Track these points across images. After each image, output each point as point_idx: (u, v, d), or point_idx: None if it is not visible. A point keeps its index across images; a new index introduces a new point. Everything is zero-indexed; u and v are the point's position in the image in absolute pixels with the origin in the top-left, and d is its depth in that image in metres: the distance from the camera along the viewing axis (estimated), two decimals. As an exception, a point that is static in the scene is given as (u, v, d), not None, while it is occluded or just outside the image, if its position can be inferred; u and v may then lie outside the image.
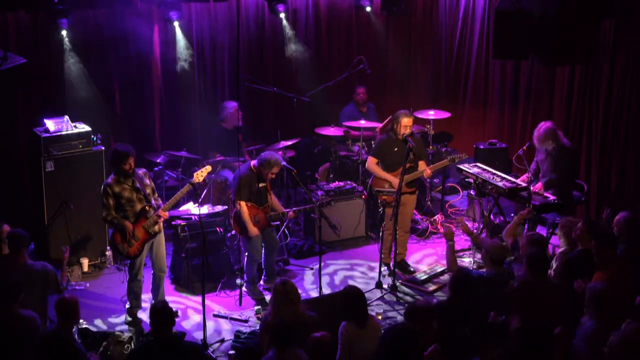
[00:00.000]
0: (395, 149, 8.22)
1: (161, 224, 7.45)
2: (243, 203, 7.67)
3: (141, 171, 7.40)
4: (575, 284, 6.26)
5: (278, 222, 8.25)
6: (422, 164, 8.32)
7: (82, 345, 5.90)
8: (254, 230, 7.72)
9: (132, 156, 7.25)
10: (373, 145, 9.10)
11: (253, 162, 7.84)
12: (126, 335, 6.84)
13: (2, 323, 5.75)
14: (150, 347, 5.60)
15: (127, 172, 7.21)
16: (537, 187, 8.40)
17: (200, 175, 7.41)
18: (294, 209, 8.07)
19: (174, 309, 7.49)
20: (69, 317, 5.70)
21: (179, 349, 5.52)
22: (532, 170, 8.68)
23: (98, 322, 7.46)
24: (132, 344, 6.65)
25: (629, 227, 6.74)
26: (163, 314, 5.58)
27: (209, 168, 7.59)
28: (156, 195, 7.54)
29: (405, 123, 8.13)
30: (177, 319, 7.56)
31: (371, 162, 8.40)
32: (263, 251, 8.03)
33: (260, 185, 7.81)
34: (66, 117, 8.49)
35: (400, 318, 7.36)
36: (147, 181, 7.43)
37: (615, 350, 4.90)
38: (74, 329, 6.01)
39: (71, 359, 5.63)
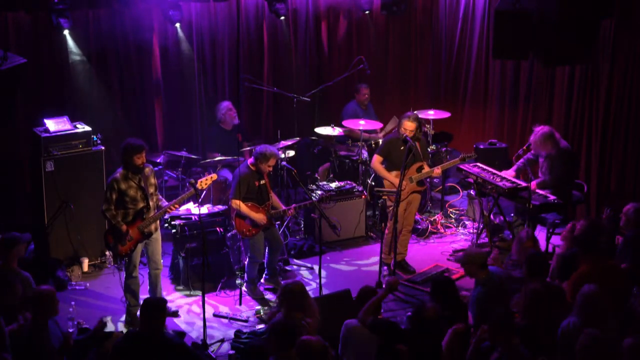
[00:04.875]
0: (402, 148, 8.23)
1: (158, 224, 7.45)
2: (239, 201, 7.66)
3: (147, 168, 7.37)
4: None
5: (278, 222, 8.23)
6: (425, 165, 8.34)
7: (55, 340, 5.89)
8: (260, 217, 7.73)
9: (145, 150, 7.24)
10: (380, 144, 9.11)
11: (250, 160, 7.85)
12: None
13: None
14: (133, 338, 5.67)
15: (138, 166, 7.17)
16: (531, 185, 8.40)
17: (204, 182, 7.40)
18: (294, 205, 8.07)
19: (173, 309, 7.57)
20: (41, 309, 5.74)
21: (162, 345, 5.55)
22: (520, 165, 8.72)
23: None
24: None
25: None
26: (152, 308, 5.64)
27: (214, 176, 7.58)
28: (157, 193, 7.53)
29: (406, 126, 8.17)
30: (176, 319, 7.58)
31: (376, 161, 8.40)
32: (266, 251, 8.03)
33: (261, 182, 7.82)
34: (66, 117, 8.50)
35: (400, 318, 7.37)
36: (152, 180, 7.41)
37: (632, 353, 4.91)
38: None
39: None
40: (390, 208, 8.21)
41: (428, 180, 9.73)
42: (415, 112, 8.51)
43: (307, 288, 8.10)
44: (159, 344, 5.59)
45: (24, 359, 5.59)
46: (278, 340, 5.36)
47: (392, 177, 8.22)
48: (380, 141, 9.53)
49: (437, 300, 6.09)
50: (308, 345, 5.22)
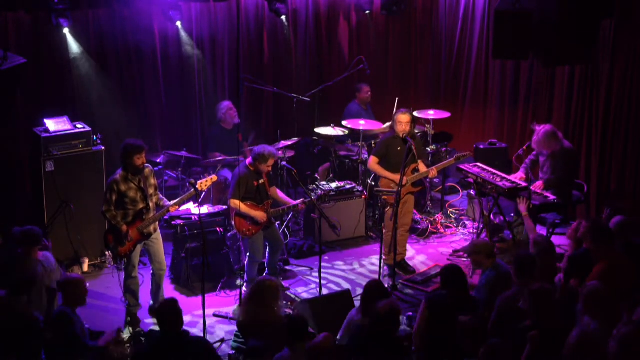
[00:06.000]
0: (399, 149, 8.22)
1: (157, 224, 7.45)
2: (237, 201, 7.65)
3: (147, 169, 7.36)
4: (571, 282, 6.29)
5: (278, 222, 8.21)
6: (421, 164, 8.33)
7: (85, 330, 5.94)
8: (260, 214, 7.73)
9: (145, 150, 7.23)
10: (375, 145, 9.10)
11: (248, 160, 7.85)
12: (126, 335, 6.84)
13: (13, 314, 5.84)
14: (158, 343, 5.61)
15: (138, 167, 7.16)
16: (537, 185, 8.40)
17: (204, 184, 7.40)
18: (302, 200, 7.99)
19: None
20: (72, 297, 5.82)
21: (187, 347, 5.52)
22: (527, 165, 8.70)
23: (98, 322, 7.44)
24: (132, 344, 6.65)
25: (622, 230, 6.75)
26: (171, 311, 5.58)
27: (214, 178, 7.58)
28: (158, 193, 7.53)
29: (401, 119, 8.15)
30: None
31: (372, 162, 8.39)
32: (267, 251, 8.03)
33: (260, 182, 7.81)
34: (66, 117, 8.50)
35: (400, 317, 7.36)
36: (152, 180, 7.40)
37: (616, 354, 4.87)
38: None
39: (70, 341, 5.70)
40: (387, 208, 8.22)
41: (428, 180, 9.73)
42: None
43: (307, 288, 8.17)
44: (184, 346, 5.53)
45: (53, 344, 5.71)
46: (291, 333, 5.44)
47: (393, 176, 8.18)
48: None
49: (446, 286, 6.10)
50: (317, 347, 5.26)
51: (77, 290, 5.92)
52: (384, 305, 5.60)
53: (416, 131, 9.16)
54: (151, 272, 7.57)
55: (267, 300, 6.09)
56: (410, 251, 8.83)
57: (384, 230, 8.30)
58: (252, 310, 6.06)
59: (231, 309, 7.72)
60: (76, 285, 5.93)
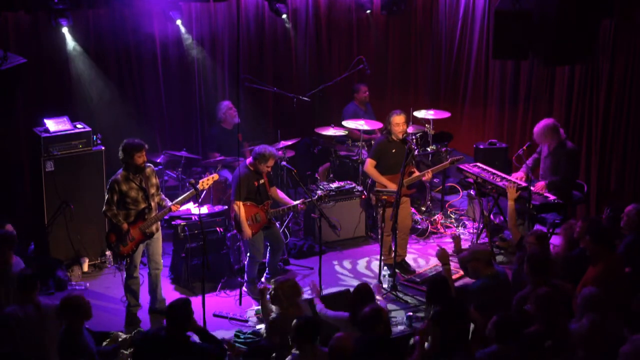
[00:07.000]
0: (394, 150, 8.21)
1: (159, 224, 7.45)
2: (241, 204, 7.66)
3: (149, 168, 7.36)
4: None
5: (278, 222, 8.21)
6: (414, 169, 8.35)
7: (92, 344, 5.92)
8: (247, 232, 7.72)
9: (145, 149, 7.22)
10: (372, 147, 9.09)
11: (249, 160, 7.85)
12: (126, 335, 6.84)
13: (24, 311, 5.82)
14: (158, 339, 5.57)
15: (139, 166, 7.16)
16: (539, 186, 8.40)
17: (205, 183, 7.40)
18: (302, 200, 8.00)
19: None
20: (76, 314, 5.74)
21: (186, 351, 5.49)
22: (529, 166, 8.68)
23: (98, 322, 7.44)
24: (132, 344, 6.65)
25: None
26: (177, 312, 5.55)
27: (215, 176, 7.58)
28: (160, 193, 7.52)
29: (396, 121, 8.13)
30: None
31: (370, 165, 8.34)
32: (268, 251, 8.03)
33: (260, 182, 7.81)
34: (66, 117, 8.50)
35: (400, 318, 7.37)
36: (154, 180, 7.40)
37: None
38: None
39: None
40: (380, 209, 8.21)
41: (428, 181, 9.73)
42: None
43: (307, 288, 8.17)
44: (186, 350, 5.50)
45: None
46: (300, 333, 5.39)
47: (387, 181, 8.18)
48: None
49: (432, 300, 6.07)
50: (337, 346, 5.26)
51: (80, 309, 5.77)
52: (368, 311, 5.58)
53: (411, 131, 9.15)
54: (147, 271, 7.57)
55: (295, 298, 6.10)
56: (410, 251, 8.82)
57: (385, 232, 8.29)
58: (283, 309, 6.06)
59: (231, 309, 7.72)
60: (78, 303, 5.78)
